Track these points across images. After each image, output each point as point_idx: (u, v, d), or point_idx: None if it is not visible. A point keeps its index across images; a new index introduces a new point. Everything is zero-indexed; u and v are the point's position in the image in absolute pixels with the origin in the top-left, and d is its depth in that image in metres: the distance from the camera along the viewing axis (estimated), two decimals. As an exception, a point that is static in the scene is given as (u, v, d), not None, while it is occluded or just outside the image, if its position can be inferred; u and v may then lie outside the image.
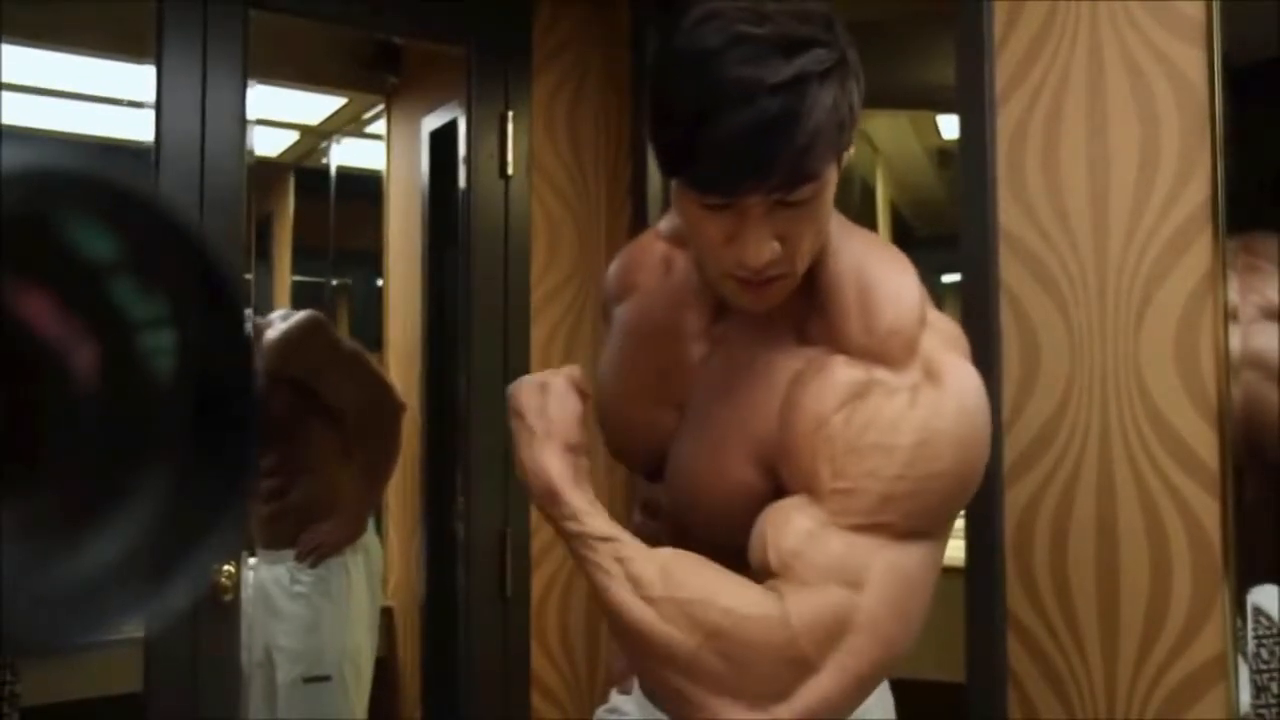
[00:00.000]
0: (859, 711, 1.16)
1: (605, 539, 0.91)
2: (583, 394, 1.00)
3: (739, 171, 0.84)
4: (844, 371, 0.92)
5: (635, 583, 0.89)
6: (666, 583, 0.88)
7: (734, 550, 0.93)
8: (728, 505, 0.97)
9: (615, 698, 1.27)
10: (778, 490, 0.94)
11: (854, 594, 0.87)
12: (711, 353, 1.04)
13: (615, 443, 1.13)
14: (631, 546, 0.91)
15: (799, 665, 0.86)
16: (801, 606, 0.86)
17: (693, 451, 1.02)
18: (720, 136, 0.83)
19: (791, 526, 0.89)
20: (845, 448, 0.88)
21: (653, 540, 0.98)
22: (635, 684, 1.24)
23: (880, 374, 0.90)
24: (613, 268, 1.21)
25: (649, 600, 0.87)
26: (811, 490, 0.90)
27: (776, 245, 0.88)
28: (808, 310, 0.97)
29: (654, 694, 1.01)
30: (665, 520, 1.08)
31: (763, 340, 0.99)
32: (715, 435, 1.00)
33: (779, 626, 0.85)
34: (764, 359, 0.98)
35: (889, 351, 0.91)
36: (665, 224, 1.16)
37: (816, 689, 0.86)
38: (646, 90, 0.91)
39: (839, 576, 0.87)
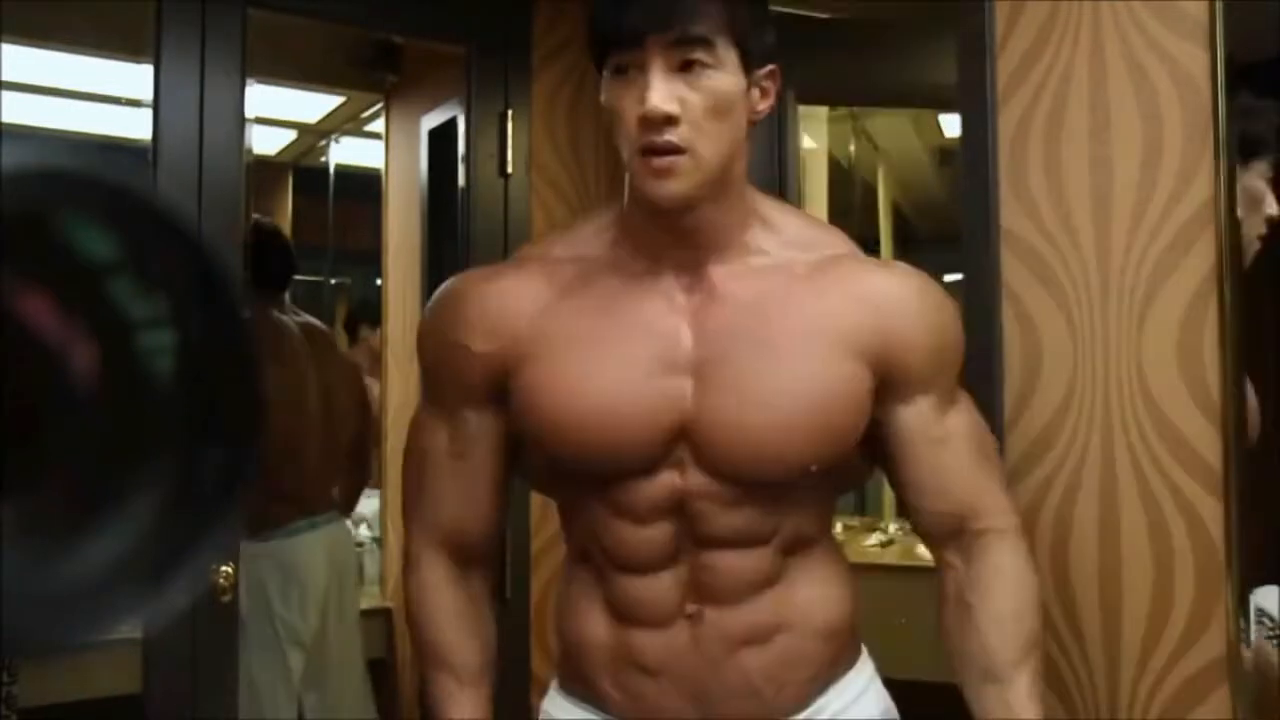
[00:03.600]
0: (857, 711, 1.17)
1: None
2: None
3: (637, 13, 1.02)
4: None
5: None
6: None
7: (774, 491, 1.08)
8: (840, 407, 1.08)
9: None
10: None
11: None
12: (703, 312, 1.10)
13: (608, 439, 1.08)
14: None
15: None
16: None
17: (788, 369, 1.08)
18: None
19: (995, 490, 1.18)
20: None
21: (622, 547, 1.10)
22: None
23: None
24: (469, 314, 1.16)
25: None
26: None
27: (675, 104, 1.02)
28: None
29: None
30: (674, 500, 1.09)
31: (757, 271, 1.12)
32: (805, 350, 1.08)
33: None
34: (775, 280, 1.11)
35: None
36: (520, 254, 1.24)
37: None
38: None
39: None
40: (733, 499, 1.08)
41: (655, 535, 1.10)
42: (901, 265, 1.18)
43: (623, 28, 1.03)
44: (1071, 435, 1.42)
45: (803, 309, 1.09)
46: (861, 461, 1.20)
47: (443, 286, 1.22)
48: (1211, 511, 1.28)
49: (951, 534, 1.17)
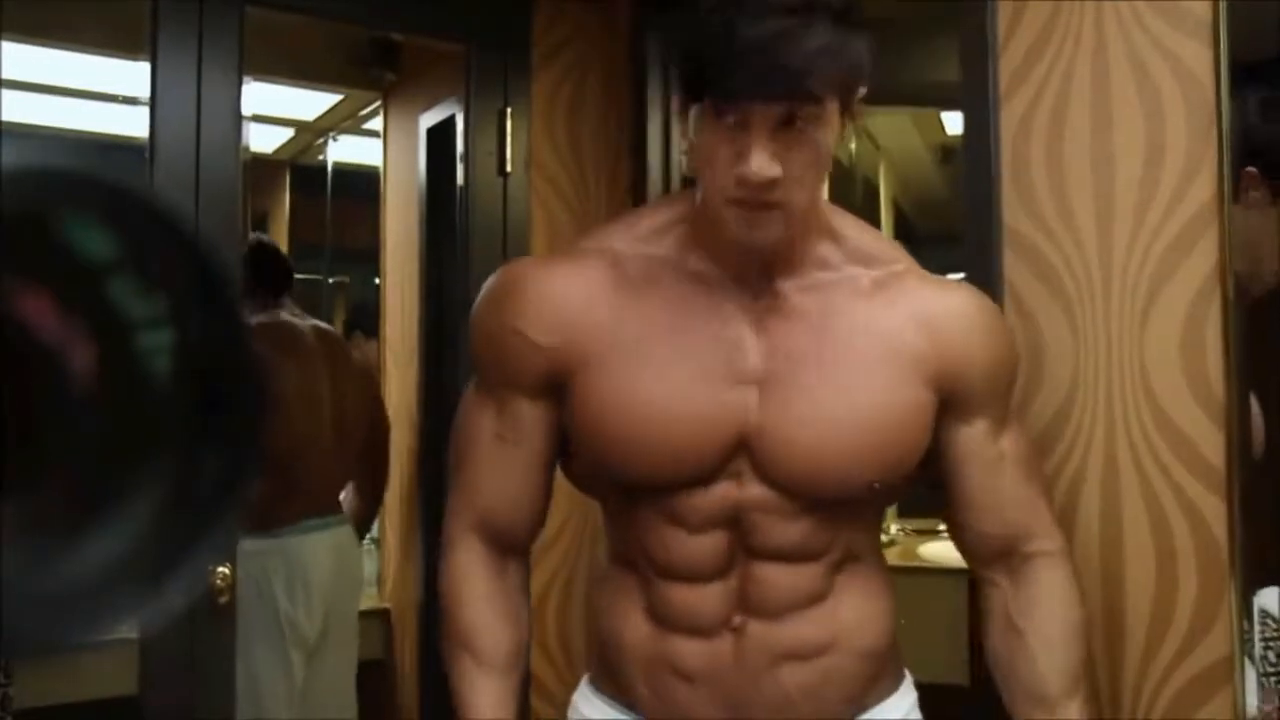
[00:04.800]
0: (882, 712, 1.16)
1: None
2: None
3: (749, 78, 0.95)
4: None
5: None
6: None
7: (836, 507, 1.08)
8: (904, 431, 1.08)
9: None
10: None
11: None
12: (769, 324, 1.09)
13: (668, 451, 1.07)
14: None
15: None
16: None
17: (852, 387, 1.07)
18: (737, 47, 0.94)
19: (1044, 511, 1.18)
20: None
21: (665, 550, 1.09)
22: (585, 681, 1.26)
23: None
24: (530, 303, 1.13)
25: None
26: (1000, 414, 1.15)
27: (778, 166, 0.97)
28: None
29: None
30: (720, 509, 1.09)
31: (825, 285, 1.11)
32: (870, 371, 1.08)
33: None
34: (841, 294, 1.11)
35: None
36: (573, 248, 1.21)
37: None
38: (674, 13, 1.03)
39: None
40: (791, 512, 1.08)
41: (708, 545, 1.09)
42: (963, 285, 1.18)
43: (730, 87, 0.97)
44: (1074, 434, 1.41)
45: (867, 327, 1.09)
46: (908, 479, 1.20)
47: (499, 271, 1.20)
48: (1214, 511, 1.27)
49: (1000, 554, 1.17)
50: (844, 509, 1.10)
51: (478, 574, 1.19)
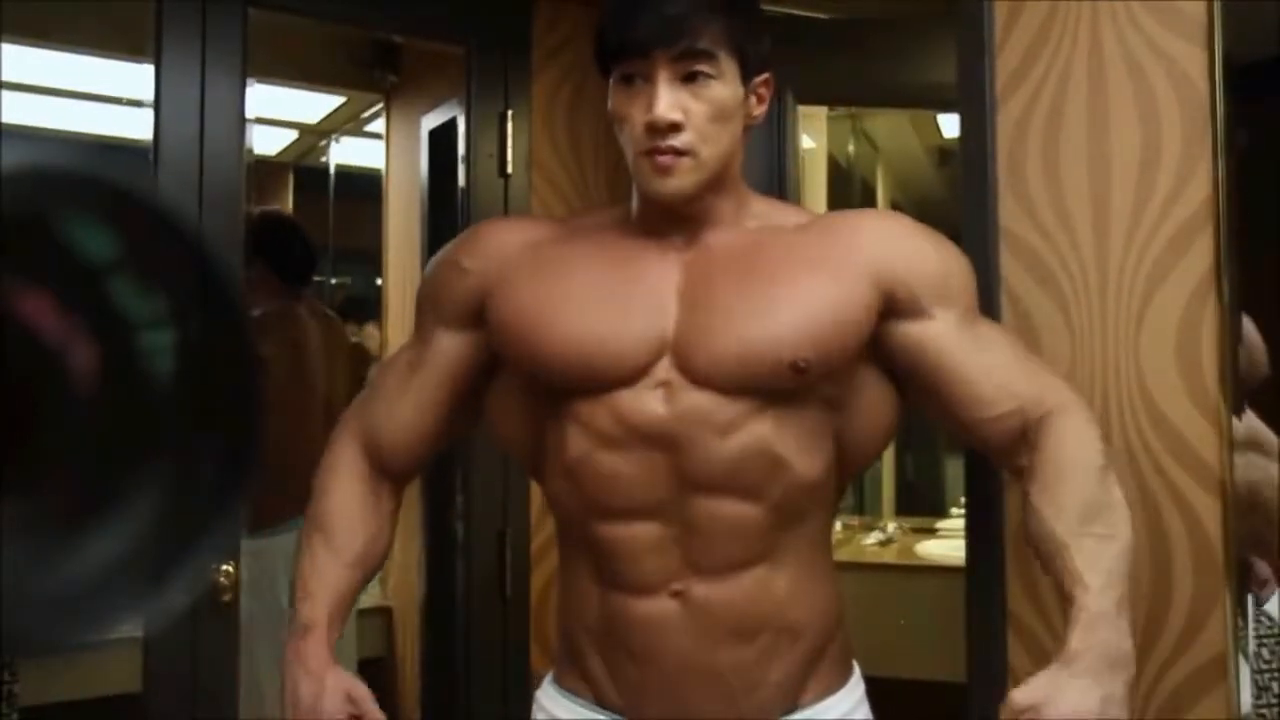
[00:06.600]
0: (824, 711, 1.17)
1: None
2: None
3: (641, 31, 1.10)
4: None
5: None
6: None
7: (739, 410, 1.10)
8: (834, 311, 1.13)
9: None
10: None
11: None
12: (695, 263, 1.17)
13: (585, 342, 1.14)
14: None
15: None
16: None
17: (779, 280, 1.14)
18: (628, 7, 1.12)
19: (1044, 374, 1.22)
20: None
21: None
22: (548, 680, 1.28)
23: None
24: (471, 241, 1.29)
25: None
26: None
27: (679, 112, 1.10)
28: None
29: None
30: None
31: (753, 228, 1.20)
32: (796, 272, 1.15)
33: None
34: (778, 229, 1.20)
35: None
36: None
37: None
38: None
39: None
40: (725, 422, 1.10)
41: (639, 466, 1.11)
42: (883, 209, 1.31)
43: (631, 40, 1.11)
44: (1070, 434, 1.41)
45: (791, 248, 1.18)
46: (871, 439, 1.24)
47: None
48: (1209, 510, 1.28)
49: (1021, 434, 1.17)
50: (781, 420, 1.12)
51: (350, 474, 1.28)
